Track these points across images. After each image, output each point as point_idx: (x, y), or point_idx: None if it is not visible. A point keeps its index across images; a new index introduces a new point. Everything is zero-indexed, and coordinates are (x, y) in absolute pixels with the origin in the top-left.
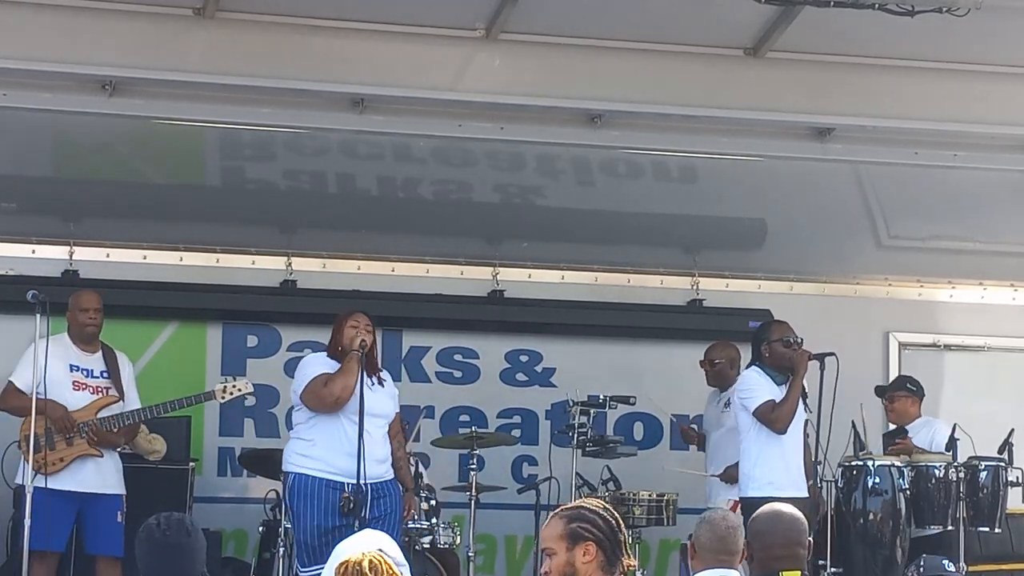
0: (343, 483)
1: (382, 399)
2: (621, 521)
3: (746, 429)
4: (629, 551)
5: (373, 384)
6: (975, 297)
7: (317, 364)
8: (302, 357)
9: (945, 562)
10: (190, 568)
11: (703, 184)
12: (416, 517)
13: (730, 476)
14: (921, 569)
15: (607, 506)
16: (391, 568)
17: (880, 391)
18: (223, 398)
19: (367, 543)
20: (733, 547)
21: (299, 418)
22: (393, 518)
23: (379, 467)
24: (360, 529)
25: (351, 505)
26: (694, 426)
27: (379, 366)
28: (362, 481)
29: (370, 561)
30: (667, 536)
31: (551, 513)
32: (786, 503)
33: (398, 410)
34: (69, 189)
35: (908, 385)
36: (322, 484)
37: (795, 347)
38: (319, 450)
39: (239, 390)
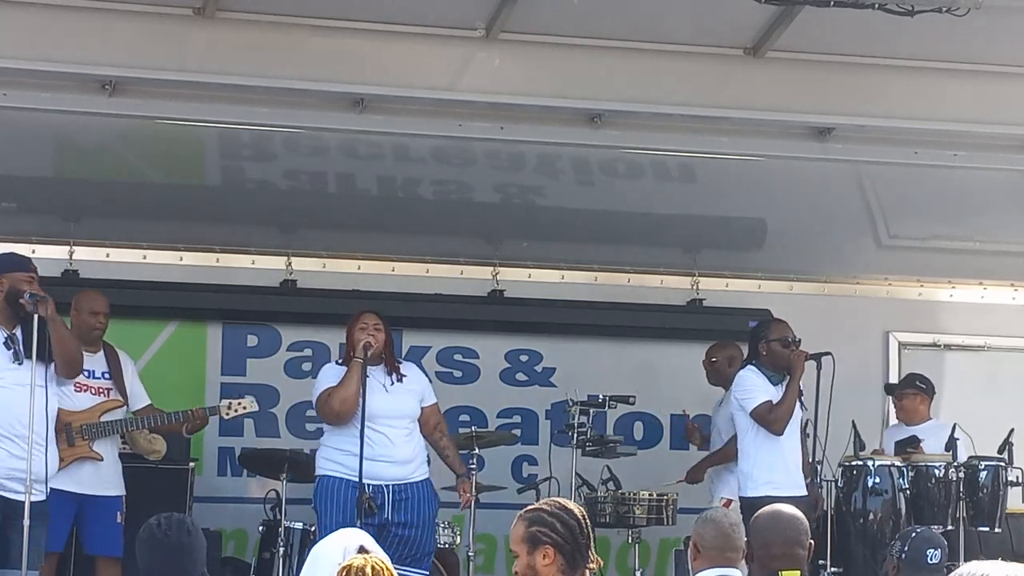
0: (365, 484)
1: (399, 398)
2: (585, 522)
3: (744, 430)
4: (594, 553)
5: (392, 383)
6: (975, 297)
7: (326, 378)
8: (302, 357)
9: (930, 551)
10: (190, 568)
11: (703, 184)
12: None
13: (693, 478)
14: (904, 555)
15: (570, 507)
16: (392, 574)
17: (890, 389)
18: (227, 415)
19: (346, 541)
20: (737, 543)
21: (325, 426)
22: (421, 527)
23: (399, 469)
24: (382, 531)
25: (367, 506)
26: (698, 425)
27: (396, 362)
28: (365, 481)
29: (372, 567)
30: (667, 536)
31: (518, 514)
32: (786, 503)
33: (430, 402)
34: (69, 189)
35: (918, 383)
36: (343, 484)
37: (793, 347)
38: (340, 454)
39: (244, 408)
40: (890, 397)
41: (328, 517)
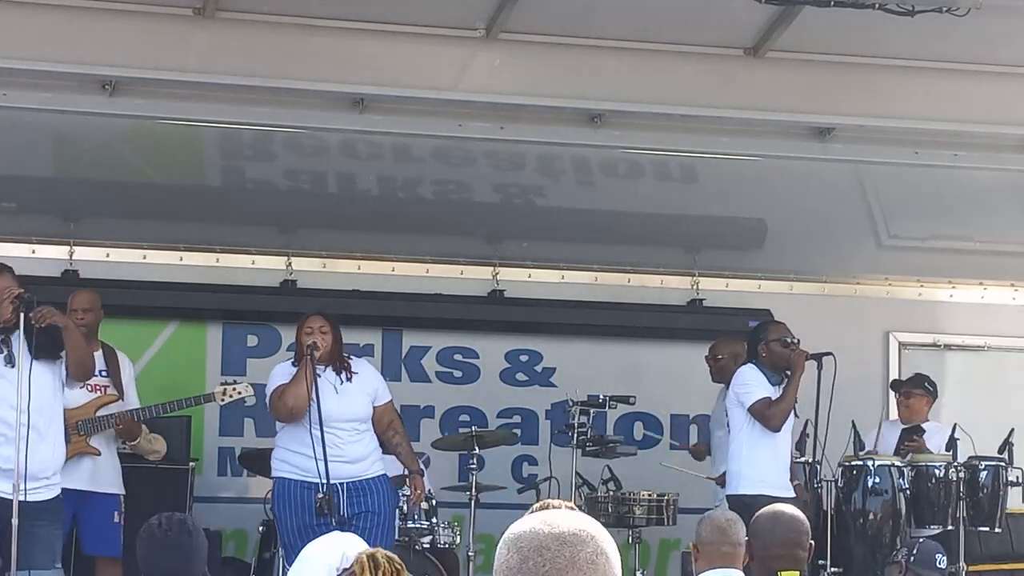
0: (317, 484)
1: (349, 402)
2: None
3: (739, 426)
4: None
5: (342, 382)
6: (975, 297)
7: (278, 376)
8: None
9: (938, 555)
10: (192, 568)
11: (703, 184)
12: (416, 514)
13: (723, 480)
14: (912, 558)
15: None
16: (400, 571)
17: (897, 386)
18: (223, 400)
19: (344, 546)
20: (734, 539)
21: (277, 426)
22: (377, 515)
23: (351, 468)
24: (337, 527)
25: (324, 505)
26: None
27: (346, 361)
28: (325, 481)
29: (389, 558)
30: (667, 536)
31: None
32: (778, 502)
33: (382, 401)
34: (69, 189)
35: (926, 384)
36: (298, 485)
37: (793, 347)
38: (292, 455)
39: (239, 393)
40: (895, 394)
41: (286, 519)
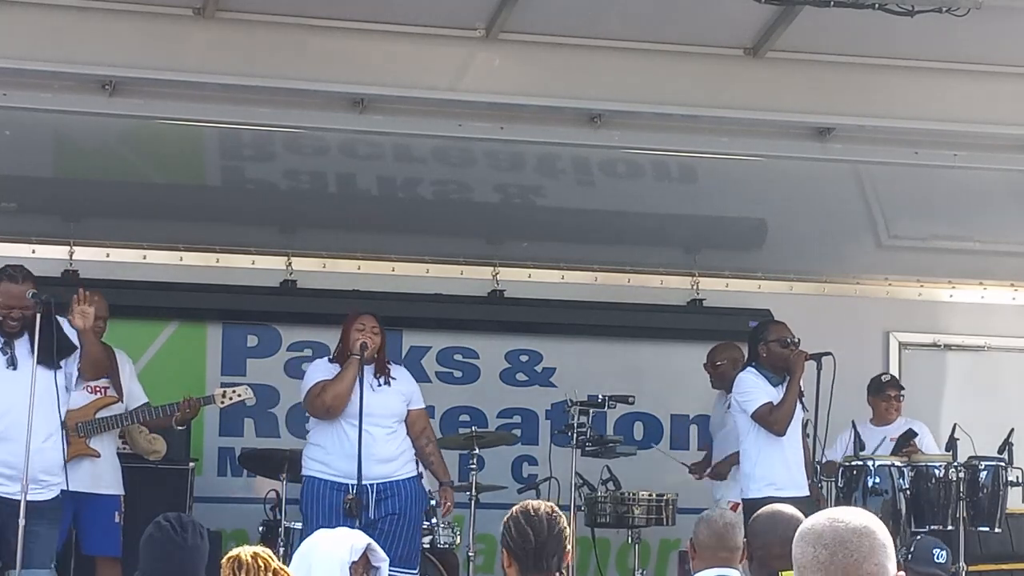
0: (347, 484)
1: (386, 399)
2: (545, 531)
3: (745, 431)
4: (560, 569)
5: (379, 384)
6: (975, 297)
7: (318, 372)
8: (302, 357)
9: (936, 551)
10: (201, 570)
11: (703, 184)
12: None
13: (718, 473)
14: (910, 556)
15: (534, 513)
16: (268, 563)
17: (878, 387)
18: (222, 403)
19: (353, 539)
20: (732, 543)
21: (310, 424)
22: (404, 518)
23: (382, 467)
24: (363, 529)
25: (352, 506)
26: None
27: (387, 365)
28: (356, 482)
29: (254, 554)
30: (667, 536)
31: None
32: (788, 503)
33: (416, 407)
34: (69, 189)
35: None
36: (327, 486)
37: (792, 347)
38: (324, 454)
39: (238, 395)
40: (873, 397)
41: (314, 520)
